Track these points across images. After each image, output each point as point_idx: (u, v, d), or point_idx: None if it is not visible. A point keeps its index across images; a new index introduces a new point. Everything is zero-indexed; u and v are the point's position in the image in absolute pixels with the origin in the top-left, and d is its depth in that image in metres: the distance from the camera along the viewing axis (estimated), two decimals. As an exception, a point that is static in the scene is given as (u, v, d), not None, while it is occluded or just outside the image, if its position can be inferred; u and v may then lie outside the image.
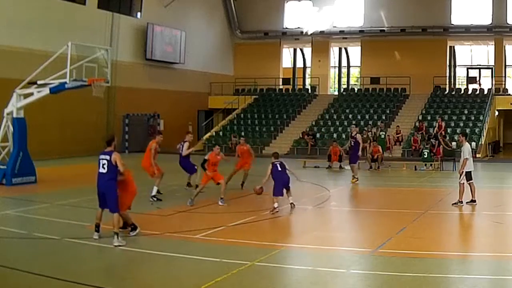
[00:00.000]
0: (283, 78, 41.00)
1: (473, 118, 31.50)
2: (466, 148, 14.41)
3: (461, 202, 14.19)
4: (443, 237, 11.32)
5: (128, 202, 10.81)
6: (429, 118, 32.14)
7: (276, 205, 13.43)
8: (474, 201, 14.31)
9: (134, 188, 10.91)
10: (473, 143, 26.58)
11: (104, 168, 10.07)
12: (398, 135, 30.18)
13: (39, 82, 17.71)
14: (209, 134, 34.46)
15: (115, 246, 9.86)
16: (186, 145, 16.25)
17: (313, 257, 9.75)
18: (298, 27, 39.73)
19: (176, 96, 35.49)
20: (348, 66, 43.17)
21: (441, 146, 24.77)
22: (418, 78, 34.96)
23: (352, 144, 19.94)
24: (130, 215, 10.93)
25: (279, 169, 13.79)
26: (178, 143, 16.83)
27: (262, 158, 29.25)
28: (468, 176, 14.30)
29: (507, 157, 29.97)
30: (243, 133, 32.30)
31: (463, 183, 14.29)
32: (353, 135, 20.22)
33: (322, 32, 38.79)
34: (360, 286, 8.17)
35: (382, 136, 26.91)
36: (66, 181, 19.31)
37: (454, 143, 25.75)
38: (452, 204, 14.31)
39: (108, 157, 10.07)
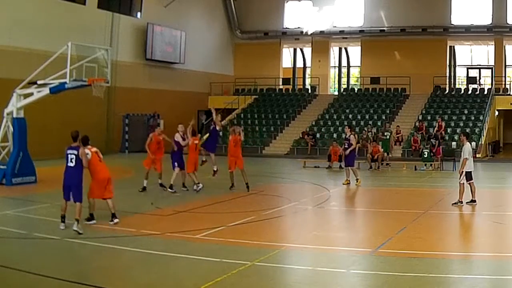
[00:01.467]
0: (283, 78, 40.91)
1: (473, 118, 31.49)
2: (467, 148, 14.39)
3: (461, 202, 14.18)
4: (443, 237, 11.29)
5: (96, 190, 11.48)
6: (429, 118, 32.14)
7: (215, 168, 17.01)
8: (474, 201, 14.30)
9: (104, 177, 11.55)
10: (473, 143, 26.55)
11: (72, 162, 11.03)
12: (398, 135, 30.14)
13: (39, 82, 17.68)
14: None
15: (74, 230, 10.61)
16: (177, 135, 16.29)
17: (313, 257, 9.74)
18: (298, 27, 39.67)
19: (176, 96, 35.46)
20: (348, 66, 43.14)
21: (441, 146, 24.72)
22: (418, 78, 34.94)
23: (346, 146, 19.06)
24: (94, 205, 11.62)
25: None
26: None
27: (262, 158, 29.50)
28: (468, 176, 14.29)
29: (507, 157, 29.93)
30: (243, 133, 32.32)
31: (463, 183, 14.28)
32: (347, 136, 19.36)
33: (322, 32, 38.75)
34: (360, 286, 8.16)
35: (387, 137, 26.67)
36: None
37: (454, 143, 25.70)
38: (452, 204, 14.30)
39: (76, 152, 11.01)
